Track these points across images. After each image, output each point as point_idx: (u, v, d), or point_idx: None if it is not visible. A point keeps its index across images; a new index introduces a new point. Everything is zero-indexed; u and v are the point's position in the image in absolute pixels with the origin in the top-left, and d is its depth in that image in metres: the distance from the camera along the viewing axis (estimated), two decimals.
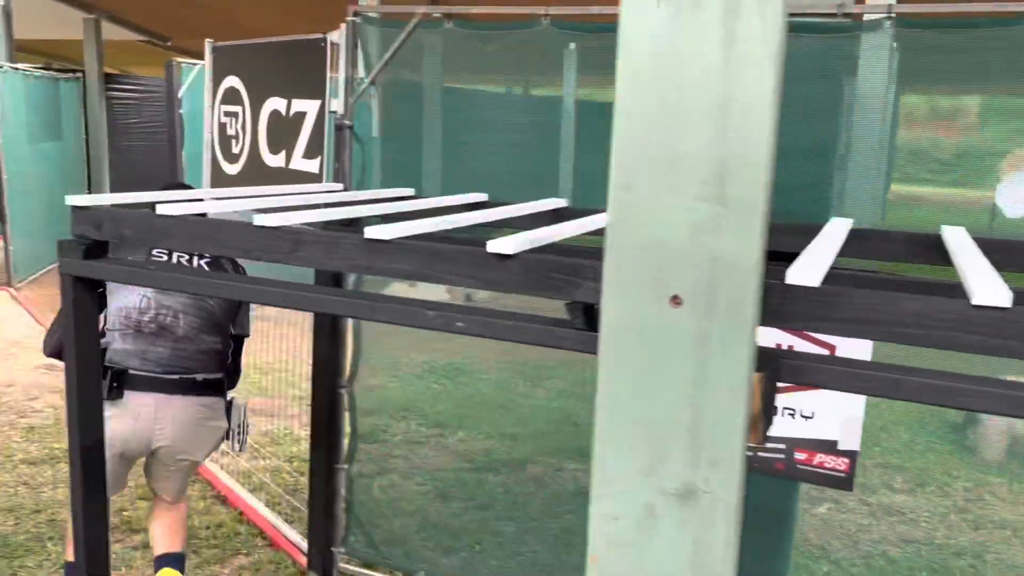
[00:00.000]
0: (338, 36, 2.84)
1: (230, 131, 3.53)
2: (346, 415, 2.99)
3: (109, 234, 1.70)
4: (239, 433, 2.73)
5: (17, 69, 7.59)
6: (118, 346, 2.51)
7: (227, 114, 3.55)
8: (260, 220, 1.53)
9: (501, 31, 2.62)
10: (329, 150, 2.90)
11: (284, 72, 3.14)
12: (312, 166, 2.99)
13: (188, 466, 2.70)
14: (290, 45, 3.08)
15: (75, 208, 1.71)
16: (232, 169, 3.54)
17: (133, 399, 2.49)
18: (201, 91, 6.39)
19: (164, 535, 2.70)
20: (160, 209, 1.65)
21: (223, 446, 2.85)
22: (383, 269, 1.40)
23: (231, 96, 3.50)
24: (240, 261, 2.61)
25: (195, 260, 2.57)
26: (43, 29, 15.02)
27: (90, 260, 1.73)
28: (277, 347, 4.40)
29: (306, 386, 2.93)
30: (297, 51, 3.03)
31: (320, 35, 2.91)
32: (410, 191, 2.47)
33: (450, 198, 2.20)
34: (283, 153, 3.16)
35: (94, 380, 1.91)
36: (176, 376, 2.53)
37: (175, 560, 2.66)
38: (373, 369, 3.02)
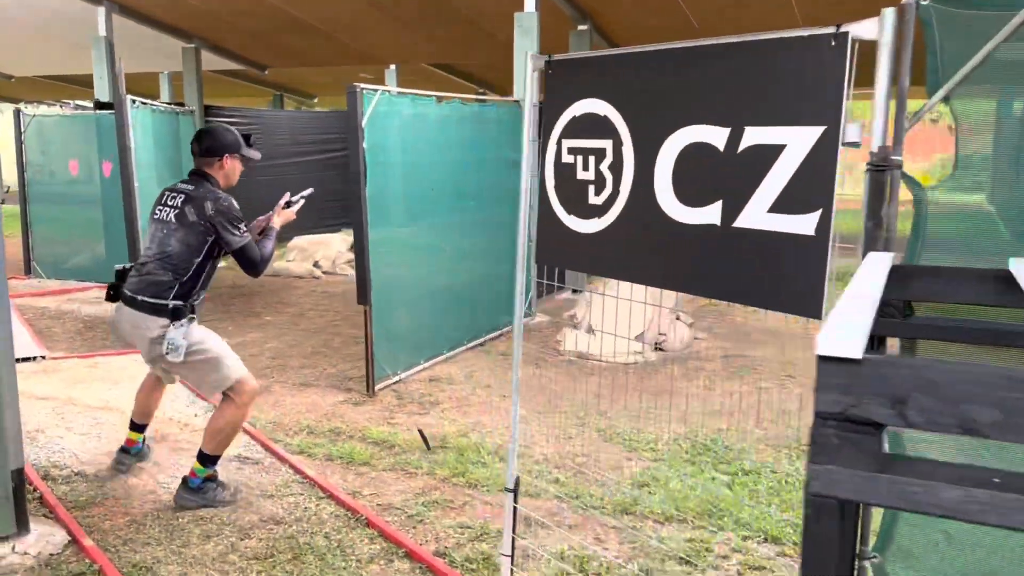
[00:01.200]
0: (868, 28, 1.87)
1: (584, 174, 2.58)
2: None
3: None
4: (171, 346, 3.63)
5: (146, 104, 6.77)
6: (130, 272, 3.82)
7: (576, 151, 2.60)
8: None
9: None
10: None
11: (728, 89, 2.17)
12: (798, 224, 2.02)
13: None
14: (751, 49, 2.12)
15: None
16: (586, 225, 2.60)
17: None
18: (386, 120, 5.53)
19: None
20: None
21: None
22: None
23: (588, 126, 2.55)
24: None
25: (170, 214, 3.72)
26: (132, 62, 14.39)
27: None
28: None
29: None
30: (772, 56, 2.07)
31: (831, 29, 1.95)
32: None
33: None
34: (716, 205, 2.20)
35: None
36: (129, 294, 3.71)
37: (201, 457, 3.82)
38: None
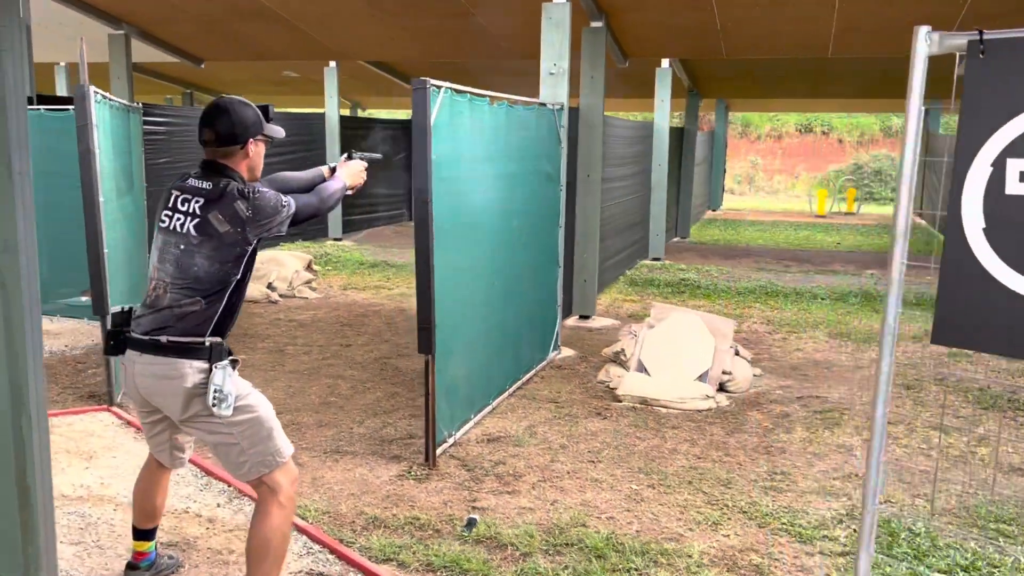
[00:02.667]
0: None
1: None
2: None
3: None
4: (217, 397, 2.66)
5: (106, 97, 5.45)
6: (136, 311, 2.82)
7: None
8: None
9: None
10: None
11: None
12: None
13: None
14: None
15: None
16: None
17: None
18: (448, 126, 4.46)
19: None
20: None
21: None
22: None
23: None
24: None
25: (187, 223, 2.71)
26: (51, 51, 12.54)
27: None
28: None
29: None
30: None
31: None
32: None
33: None
34: None
35: None
36: (146, 337, 2.71)
37: None
38: None
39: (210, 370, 2.66)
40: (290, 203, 2.79)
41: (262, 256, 9.92)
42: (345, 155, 3.33)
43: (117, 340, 2.76)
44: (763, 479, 4.30)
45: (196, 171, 2.83)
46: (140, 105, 7.33)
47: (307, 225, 13.19)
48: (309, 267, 9.83)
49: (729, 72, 14.62)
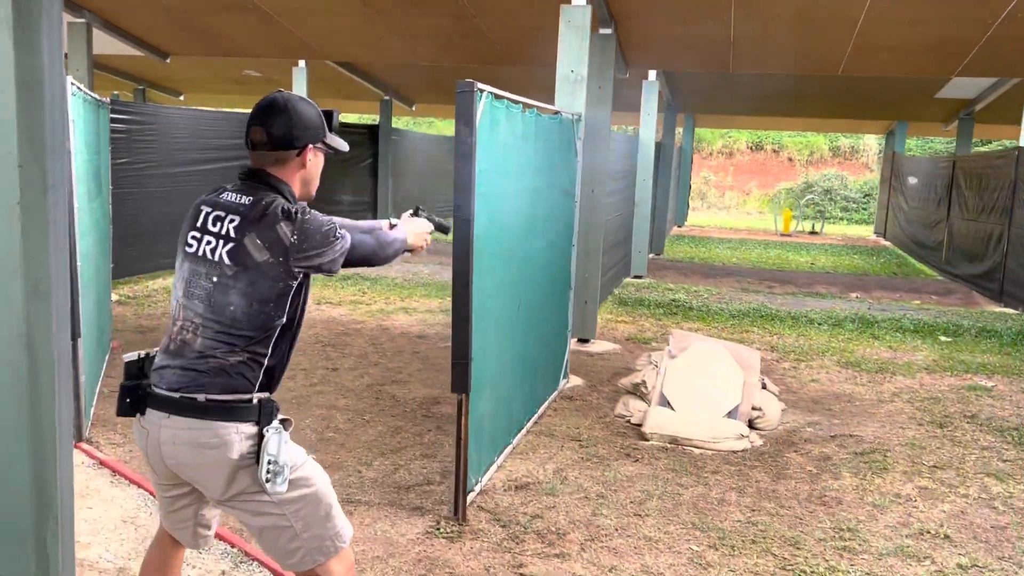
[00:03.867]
0: None
1: None
2: None
3: None
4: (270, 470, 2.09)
5: (80, 90, 4.81)
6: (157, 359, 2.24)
7: None
8: None
9: None
10: None
11: None
12: None
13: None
14: None
15: None
16: None
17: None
18: (489, 134, 3.94)
19: None
20: None
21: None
22: None
23: None
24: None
25: (219, 249, 2.15)
26: None
27: None
28: None
29: None
30: None
31: None
32: None
33: None
34: None
35: None
36: (176, 395, 2.13)
37: None
38: None
39: (260, 436, 2.13)
40: (345, 235, 2.23)
41: None
42: (411, 211, 2.76)
43: (135, 397, 2.17)
44: (831, 537, 3.87)
45: (234, 183, 2.27)
46: (108, 100, 6.65)
47: None
48: None
49: (704, 86, 14.39)
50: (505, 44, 7.93)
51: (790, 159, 35.11)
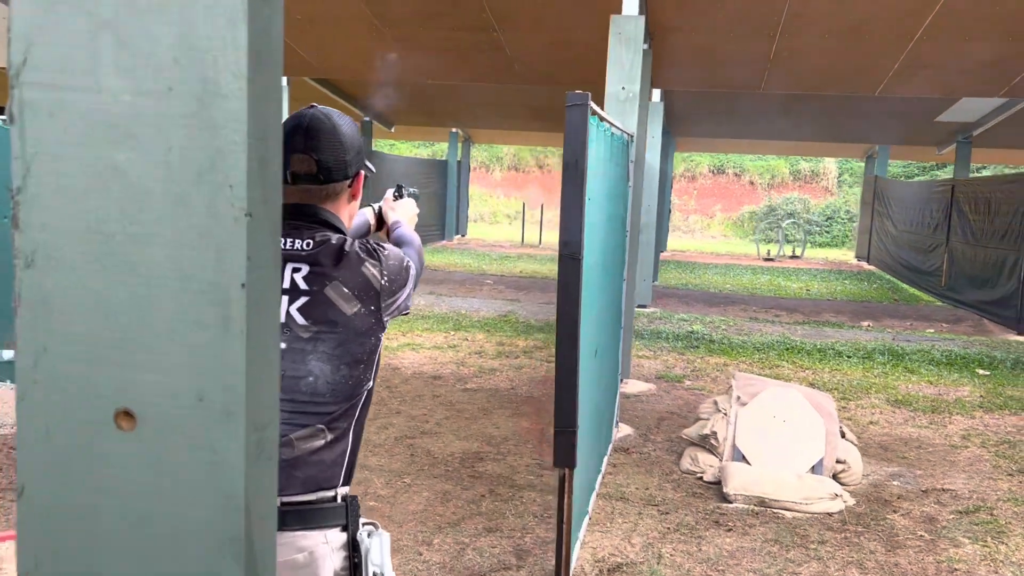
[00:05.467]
0: None
1: None
2: None
3: None
4: None
5: None
6: None
7: None
8: None
9: None
10: None
11: None
12: None
13: None
14: None
15: None
16: None
17: None
18: (591, 156, 3.32)
19: None
20: None
21: None
22: None
23: None
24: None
25: (286, 307, 1.61)
26: None
27: None
28: None
29: None
30: None
31: None
32: None
33: None
34: None
35: None
36: None
37: None
38: None
39: (353, 543, 1.68)
40: (411, 263, 1.81)
41: None
42: (393, 191, 2.26)
43: None
44: None
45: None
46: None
47: None
48: None
49: (693, 108, 14.03)
50: (524, 60, 7.37)
51: (752, 182, 35.12)
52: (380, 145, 17.96)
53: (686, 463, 5.02)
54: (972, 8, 5.63)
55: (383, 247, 1.72)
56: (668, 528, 4.13)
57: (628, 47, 5.37)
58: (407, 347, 8.18)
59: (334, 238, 1.68)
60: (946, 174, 24.51)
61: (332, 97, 13.94)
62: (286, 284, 1.62)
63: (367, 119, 15.64)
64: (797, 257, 21.97)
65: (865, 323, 11.13)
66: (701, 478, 4.86)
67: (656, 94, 10.94)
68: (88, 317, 0.73)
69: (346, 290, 1.63)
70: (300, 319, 1.61)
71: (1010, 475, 5.20)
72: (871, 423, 6.27)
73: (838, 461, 4.89)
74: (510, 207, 32.55)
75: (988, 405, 6.88)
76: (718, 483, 4.75)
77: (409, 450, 5.16)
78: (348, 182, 1.73)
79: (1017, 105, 10.84)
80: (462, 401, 6.33)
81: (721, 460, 4.90)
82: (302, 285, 1.62)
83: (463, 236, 23.07)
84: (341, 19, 6.73)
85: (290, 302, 1.62)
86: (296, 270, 1.63)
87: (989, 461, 5.46)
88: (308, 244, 1.66)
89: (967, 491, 4.89)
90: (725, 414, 5.15)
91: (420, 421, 5.78)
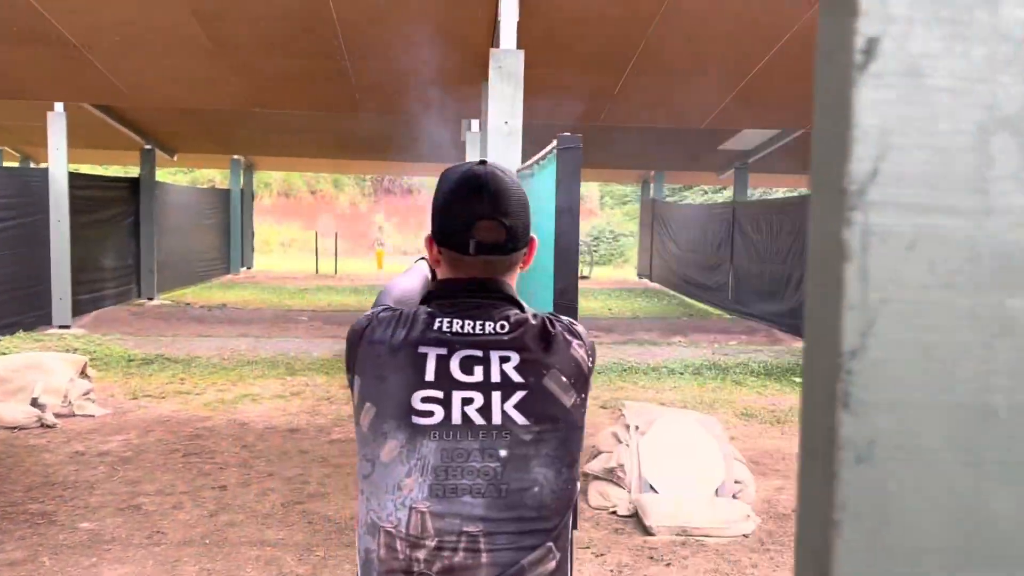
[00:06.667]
0: None
1: None
2: None
3: None
4: None
5: None
6: None
7: None
8: None
9: None
10: None
11: None
12: None
13: None
14: None
15: None
16: None
17: None
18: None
19: None
20: None
21: None
22: None
23: None
24: None
25: (500, 406, 1.35)
26: None
27: None
28: None
29: None
30: None
31: None
32: None
33: None
34: None
35: None
36: None
37: None
38: None
39: None
40: None
41: (14, 361, 7.32)
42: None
43: None
44: None
45: (441, 301, 1.45)
46: None
47: (23, 309, 10.28)
48: (84, 372, 7.41)
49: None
50: (369, 90, 7.05)
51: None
52: (161, 175, 16.54)
53: (595, 499, 4.99)
54: (802, 52, 6.17)
55: (573, 322, 1.49)
56: (612, 571, 4.06)
57: (509, 81, 5.30)
58: (245, 398, 7.52)
59: (530, 317, 1.44)
60: (716, 196, 26.83)
61: (111, 123, 12.66)
62: (495, 377, 1.36)
63: (148, 147, 14.37)
64: (587, 277, 22.98)
65: (676, 338, 11.82)
66: (615, 512, 4.85)
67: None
68: (946, 528, 0.52)
69: (564, 379, 1.40)
70: (520, 418, 1.36)
71: None
72: (732, 438, 6.60)
73: (736, 482, 5.09)
74: (283, 235, 31.15)
75: None
76: (633, 515, 4.77)
77: (304, 517, 4.69)
78: (526, 247, 1.50)
79: (791, 135, 12.08)
80: (334, 455, 5.90)
81: (630, 492, 4.92)
82: (515, 377, 1.37)
83: (249, 268, 21.85)
84: (171, 44, 6.07)
85: (503, 399, 1.36)
86: (504, 360, 1.38)
87: None
88: (502, 327, 1.41)
89: None
90: (628, 445, 5.19)
91: (299, 483, 5.30)
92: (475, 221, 1.41)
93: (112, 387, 7.87)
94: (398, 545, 1.33)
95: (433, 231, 1.50)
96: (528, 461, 1.35)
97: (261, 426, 6.61)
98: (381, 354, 1.39)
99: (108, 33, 5.98)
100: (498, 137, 5.30)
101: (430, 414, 1.35)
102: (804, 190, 19.67)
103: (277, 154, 18.01)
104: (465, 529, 1.32)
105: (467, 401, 1.35)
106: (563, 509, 1.40)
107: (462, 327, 1.40)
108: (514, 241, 1.44)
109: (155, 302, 14.34)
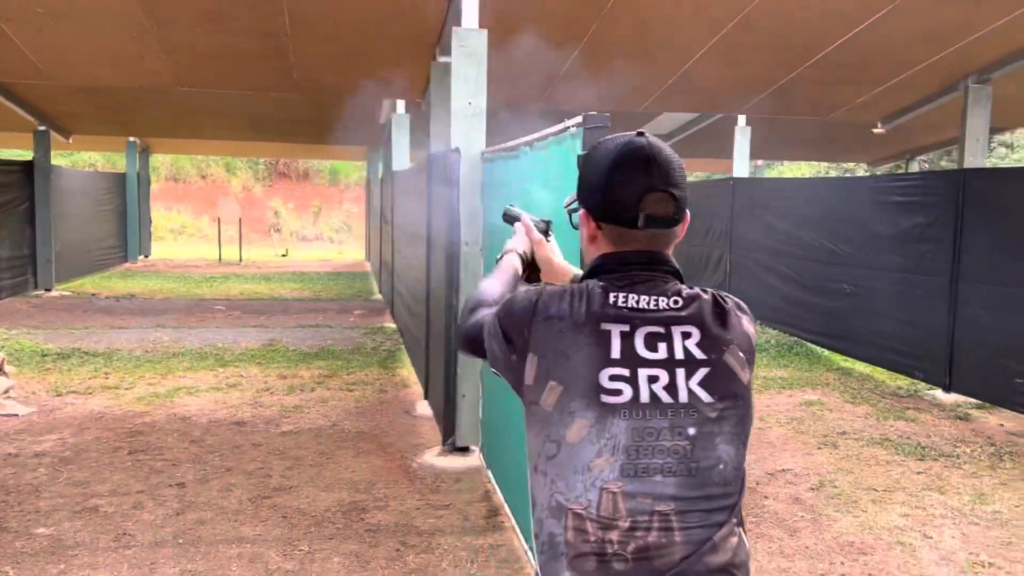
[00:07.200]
0: None
1: None
2: None
3: None
4: None
5: None
6: None
7: None
8: None
9: None
10: None
11: None
12: None
13: None
14: None
15: None
16: None
17: None
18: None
19: None
20: None
21: None
22: None
23: None
24: None
25: (686, 382, 1.35)
26: None
27: None
28: None
29: None
30: None
31: None
32: None
33: None
34: None
35: None
36: None
37: None
38: None
39: None
40: None
41: None
42: (538, 224, 1.86)
43: None
44: None
45: (611, 276, 1.42)
46: None
47: None
48: (1, 369, 6.91)
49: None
50: (310, 70, 6.79)
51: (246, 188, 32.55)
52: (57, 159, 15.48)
53: None
54: (742, 34, 6.32)
55: (742, 307, 1.47)
56: None
57: (472, 61, 5.22)
58: (180, 391, 7.19)
59: (699, 291, 1.42)
60: None
61: (3, 102, 11.82)
62: (679, 354, 1.34)
63: (42, 128, 13.48)
64: (285, 255, 22.58)
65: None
66: None
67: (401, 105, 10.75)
68: None
69: (741, 354, 1.40)
70: (705, 396, 1.35)
71: (819, 448, 5.91)
72: None
73: None
74: (174, 221, 29.58)
75: (758, 388, 7.77)
76: None
77: (277, 512, 4.53)
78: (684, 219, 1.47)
79: (708, 119, 12.37)
80: (290, 447, 5.72)
81: None
82: (698, 354, 1.35)
83: (147, 257, 20.84)
84: (103, 20, 5.66)
85: (687, 376, 1.34)
86: (686, 336, 1.36)
87: (794, 438, 6.16)
88: (676, 302, 1.39)
89: (802, 468, 5.47)
90: None
91: (262, 476, 5.11)
92: (645, 194, 1.37)
93: (30, 384, 7.38)
94: (588, 527, 1.30)
95: (589, 207, 1.45)
96: (713, 439, 1.35)
97: (205, 420, 6.33)
98: (564, 330, 1.35)
99: (30, 5, 5.54)
100: (461, 119, 5.22)
101: (618, 392, 1.32)
102: (716, 174, 20.22)
103: (181, 135, 17.22)
104: (657, 508, 1.30)
105: (653, 379, 1.33)
106: (742, 485, 1.39)
107: (638, 302, 1.37)
108: (680, 212, 1.42)
109: (54, 293, 13.51)
